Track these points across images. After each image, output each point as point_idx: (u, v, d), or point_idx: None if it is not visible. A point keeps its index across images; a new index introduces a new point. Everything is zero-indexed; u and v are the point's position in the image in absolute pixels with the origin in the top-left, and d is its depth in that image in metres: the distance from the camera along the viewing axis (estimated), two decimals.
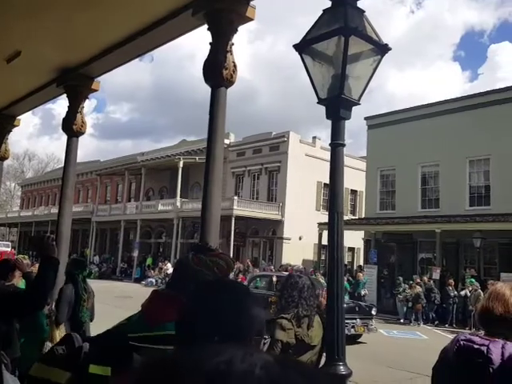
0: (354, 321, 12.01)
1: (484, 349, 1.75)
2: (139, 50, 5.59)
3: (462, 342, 1.84)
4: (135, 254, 31.92)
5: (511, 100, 18.79)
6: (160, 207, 32.31)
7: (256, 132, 32.92)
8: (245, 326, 0.96)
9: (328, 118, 2.99)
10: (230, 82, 4.03)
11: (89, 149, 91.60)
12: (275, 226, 29.43)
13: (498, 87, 21.04)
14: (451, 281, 18.00)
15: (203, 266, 1.48)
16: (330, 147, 3.05)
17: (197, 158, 30.47)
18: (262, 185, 31.27)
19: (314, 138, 31.86)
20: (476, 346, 1.79)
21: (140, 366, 0.39)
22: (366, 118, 24.84)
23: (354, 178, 28.71)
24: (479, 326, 2.00)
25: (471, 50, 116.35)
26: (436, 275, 18.63)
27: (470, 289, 16.99)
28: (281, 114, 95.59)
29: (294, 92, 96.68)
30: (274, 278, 13.93)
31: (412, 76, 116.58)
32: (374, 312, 13.36)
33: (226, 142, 32.22)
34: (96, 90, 6.57)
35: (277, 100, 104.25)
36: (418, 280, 18.23)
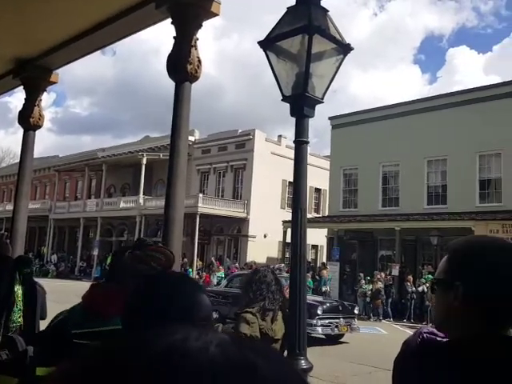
0: (338, 320, 11.88)
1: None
2: (100, 43, 5.44)
3: (425, 335, 1.90)
4: (95, 252, 31.19)
5: (467, 103, 19.53)
6: (122, 204, 31.68)
7: (222, 129, 32.83)
8: (189, 314, 0.97)
9: (292, 115, 3.02)
10: (194, 77, 3.99)
11: (47, 144, 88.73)
12: (240, 224, 29.43)
13: (455, 90, 21.86)
14: (410, 277, 18.56)
15: (139, 261, 1.49)
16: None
17: (161, 154, 30.05)
18: (227, 182, 31.19)
19: (280, 136, 32.07)
20: (439, 338, 1.86)
21: (83, 355, 0.38)
22: (330, 118, 25.22)
23: (319, 177, 29.08)
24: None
25: (431, 54, 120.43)
26: (395, 272, 19.17)
27: (427, 285, 17.57)
28: (247, 111, 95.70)
29: (260, 90, 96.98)
30: None
31: (375, 77, 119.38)
32: (356, 311, 13.33)
33: (191, 138, 31.91)
34: (55, 83, 6.35)
35: (243, 98, 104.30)
36: (379, 276, 18.70)
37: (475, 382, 1.15)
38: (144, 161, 30.76)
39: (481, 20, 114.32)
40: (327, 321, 11.69)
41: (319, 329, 11.51)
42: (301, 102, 2.92)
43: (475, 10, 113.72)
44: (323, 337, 11.66)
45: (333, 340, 11.83)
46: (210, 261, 26.42)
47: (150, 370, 0.33)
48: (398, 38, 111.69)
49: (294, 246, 2.95)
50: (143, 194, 30.70)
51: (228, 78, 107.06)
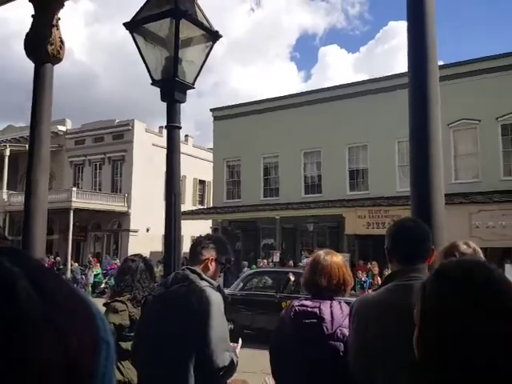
0: None
1: (316, 310, 2.02)
2: None
3: (297, 308, 2.08)
4: None
5: (336, 98, 21.07)
6: None
7: (97, 119, 31.01)
8: None
9: (163, 100, 2.98)
10: (56, 59, 3.71)
11: None
12: (120, 218, 28.26)
13: (326, 86, 23.46)
14: (291, 262, 19.57)
15: None
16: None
17: (26, 145, 27.41)
18: (104, 175, 29.64)
19: (161, 127, 31.24)
20: (310, 309, 2.05)
21: None
22: (211, 110, 25.35)
23: (203, 169, 29.14)
24: (307, 292, 2.25)
25: (305, 52, 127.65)
26: (276, 258, 20.09)
27: None
28: (125, 101, 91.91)
29: (138, 80, 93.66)
30: (292, 277, 10.47)
31: (254, 73, 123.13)
32: None
33: (62, 128, 29.73)
34: None
35: (121, 87, 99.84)
36: (261, 264, 19.44)
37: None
38: (7, 152, 27.86)
39: (349, 23, 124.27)
40: None
41: None
42: (171, 87, 2.89)
43: (344, 12, 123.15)
44: None
45: None
46: (88, 260, 24.94)
47: None
48: (274, 35, 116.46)
49: (169, 232, 2.94)
50: (7, 189, 27.88)
51: (103, 66, 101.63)
